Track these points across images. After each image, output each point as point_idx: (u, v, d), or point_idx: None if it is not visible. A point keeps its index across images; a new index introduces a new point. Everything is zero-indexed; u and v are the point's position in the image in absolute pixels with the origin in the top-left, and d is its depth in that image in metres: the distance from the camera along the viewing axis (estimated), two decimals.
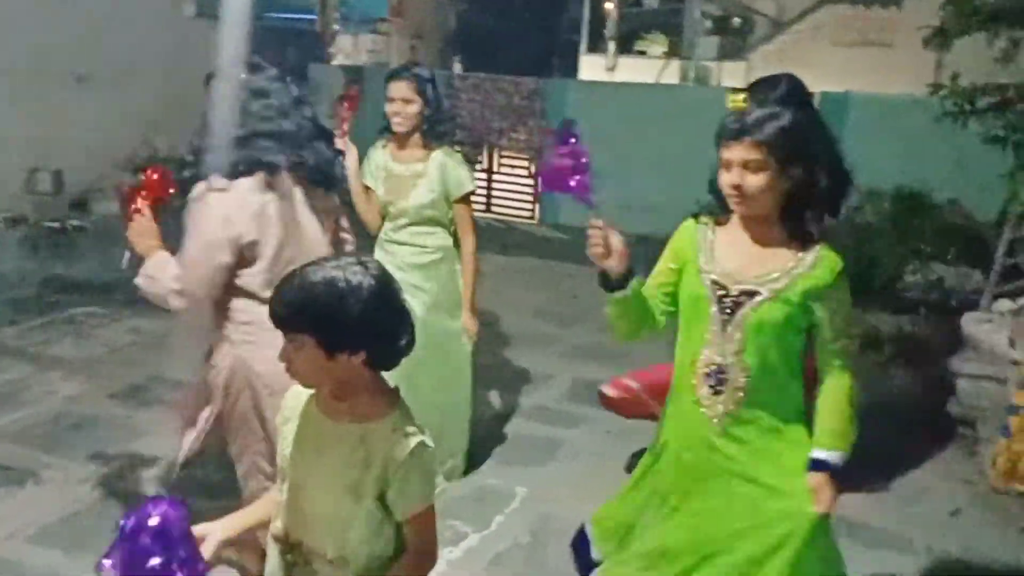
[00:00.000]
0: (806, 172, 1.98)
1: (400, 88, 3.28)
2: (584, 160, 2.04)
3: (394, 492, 1.58)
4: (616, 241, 2.03)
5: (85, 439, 3.85)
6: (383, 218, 3.46)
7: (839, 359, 2.09)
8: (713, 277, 2.08)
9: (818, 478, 2.04)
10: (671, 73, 11.29)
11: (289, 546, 1.68)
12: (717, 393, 2.09)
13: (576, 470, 3.79)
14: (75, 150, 6.65)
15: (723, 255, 2.09)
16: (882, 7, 9.13)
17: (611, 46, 10.98)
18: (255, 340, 2.37)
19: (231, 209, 2.28)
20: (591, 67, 11.71)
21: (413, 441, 1.58)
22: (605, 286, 2.08)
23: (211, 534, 1.62)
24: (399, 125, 3.32)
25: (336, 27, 10.80)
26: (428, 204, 3.37)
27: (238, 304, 2.39)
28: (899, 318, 5.64)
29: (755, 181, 1.97)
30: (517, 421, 4.25)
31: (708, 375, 2.10)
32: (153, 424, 4.02)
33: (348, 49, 12.00)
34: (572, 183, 2.04)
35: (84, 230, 6.20)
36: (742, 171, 1.97)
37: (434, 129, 3.35)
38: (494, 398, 4.48)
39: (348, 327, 1.52)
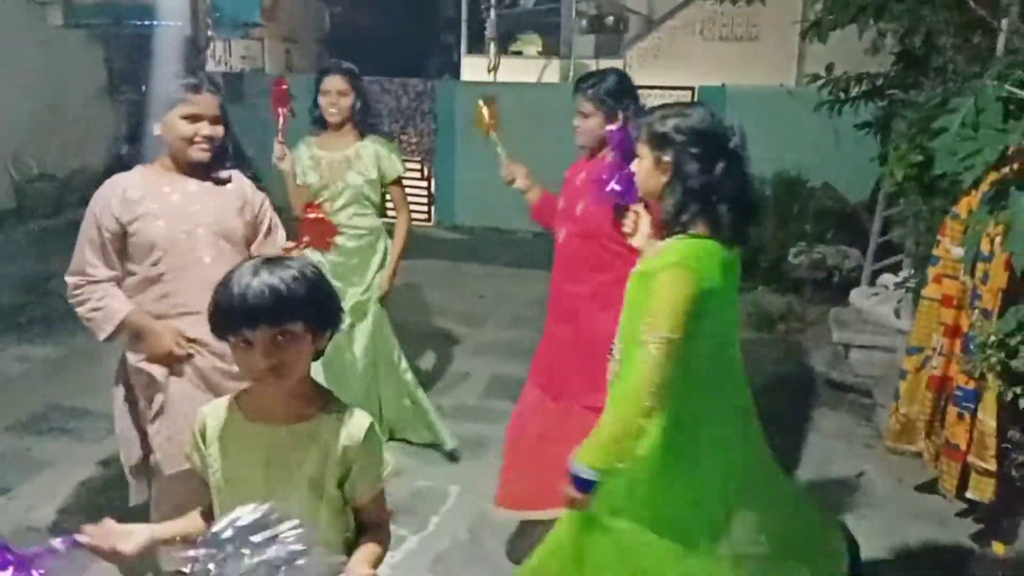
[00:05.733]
0: (676, 164, 2.03)
1: (336, 81, 3.55)
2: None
3: (355, 475, 1.64)
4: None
5: None
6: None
7: (633, 352, 1.99)
8: None
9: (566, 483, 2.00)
10: (552, 72, 11.45)
11: None
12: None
13: None
14: None
15: None
16: (747, 3, 9.49)
17: (492, 47, 11.04)
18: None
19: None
20: (473, 68, 11.73)
21: (365, 423, 1.65)
22: None
23: (139, 531, 1.63)
24: (334, 116, 3.56)
25: (210, 33, 10.45)
26: (364, 184, 3.61)
27: None
28: (787, 297, 5.98)
29: (637, 167, 2.14)
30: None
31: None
32: (56, 454, 3.84)
33: (221, 55, 11.63)
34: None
35: None
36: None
37: (364, 121, 3.65)
38: None
39: (330, 306, 1.63)
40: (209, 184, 2.57)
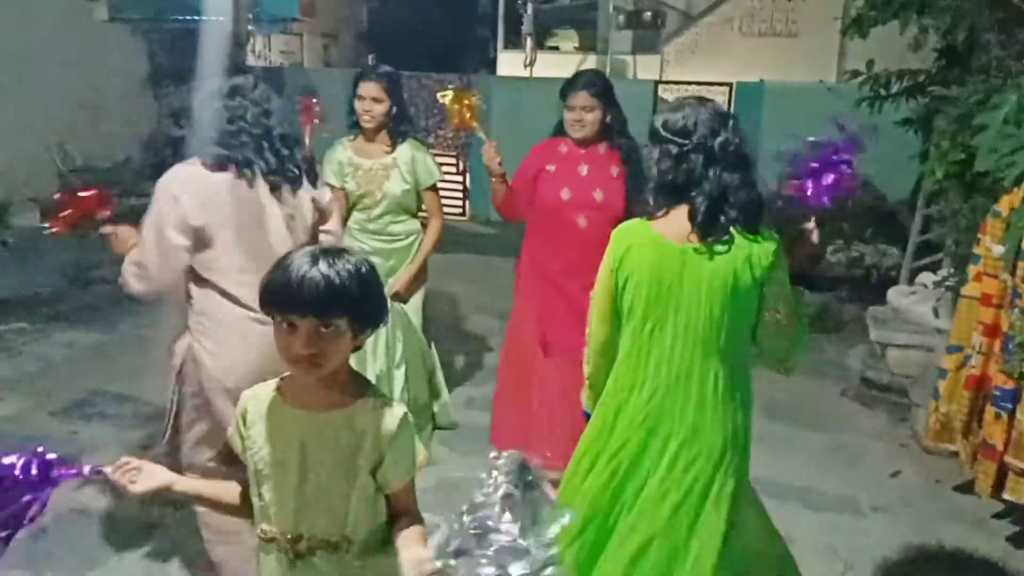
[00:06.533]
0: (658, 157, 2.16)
1: (371, 88, 3.47)
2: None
3: (388, 464, 1.65)
4: None
5: None
6: (351, 211, 3.63)
7: None
8: None
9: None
10: (588, 68, 11.43)
11: (289, 543, 1.70)
12: None
13: None
14: None
15: None
16: None
17: (528, 42, 11.04)
18: (204, 331, 2.42)
19: (182, 189, 2.32)
20: (509, 63, 11.74)
21: (399, 413, 1.66)
22: None
23: (158, 475, 1.67)
24: (369, 122, 3.50)
25: (250, 28, 10.58)
26: (402, 193, 3.58)
27: (195, 292, 2.44)
28: (825, 295, 5.93)
29: None
30: (472, 413, 4.30)
31: None
32: (99, 439, 3.92)
33: (260, 50, 11.79)
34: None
35: (5, 244, 5.96)
36: None
37: (399, 127, 3.57)
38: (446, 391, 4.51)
39: (378, 306, 1.65)
40: None
